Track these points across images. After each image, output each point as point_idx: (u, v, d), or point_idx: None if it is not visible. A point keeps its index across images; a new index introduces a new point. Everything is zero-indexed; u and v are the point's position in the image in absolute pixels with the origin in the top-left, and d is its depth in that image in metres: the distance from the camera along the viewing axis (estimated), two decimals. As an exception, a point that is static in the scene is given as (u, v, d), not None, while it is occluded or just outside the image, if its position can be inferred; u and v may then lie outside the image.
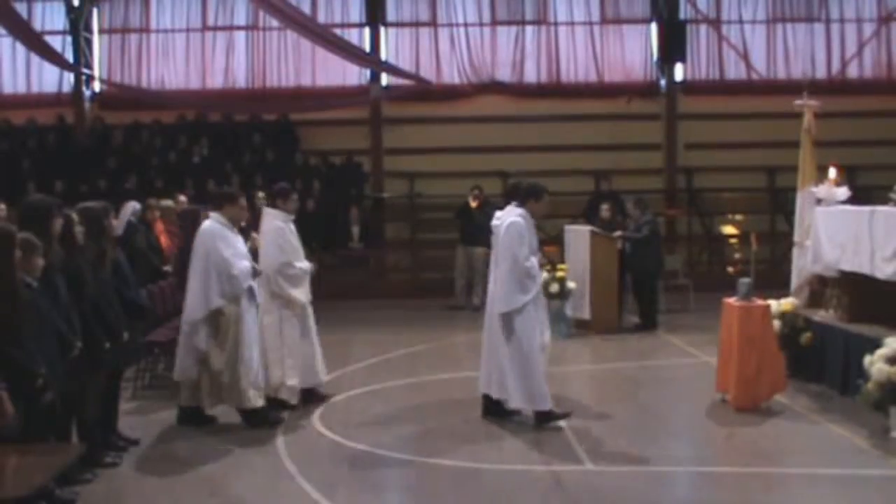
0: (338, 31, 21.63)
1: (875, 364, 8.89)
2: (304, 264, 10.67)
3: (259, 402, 9.79)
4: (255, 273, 9.84)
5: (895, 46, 22.86)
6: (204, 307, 9.56)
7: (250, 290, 9.77)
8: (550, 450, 8.89)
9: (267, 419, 9.83)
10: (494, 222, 9.90)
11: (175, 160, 21.14)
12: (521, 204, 9.79)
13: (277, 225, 10.58)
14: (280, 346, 10.40)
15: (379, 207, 22.22)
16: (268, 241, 10.53)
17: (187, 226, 11.92)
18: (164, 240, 14.20)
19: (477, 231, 18.76)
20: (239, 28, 22.47)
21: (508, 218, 9.69)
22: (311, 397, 10.76)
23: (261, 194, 16.31)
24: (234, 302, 9.61)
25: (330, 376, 11.86)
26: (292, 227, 10.72)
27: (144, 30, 22.45)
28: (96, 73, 22.44)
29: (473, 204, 18.83)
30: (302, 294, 10.64)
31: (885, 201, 10.28)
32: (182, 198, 15.77)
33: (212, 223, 9.82)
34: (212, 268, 9.55)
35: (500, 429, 9.68)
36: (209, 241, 9.66)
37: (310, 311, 10.76)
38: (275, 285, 10.37)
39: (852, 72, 22.79)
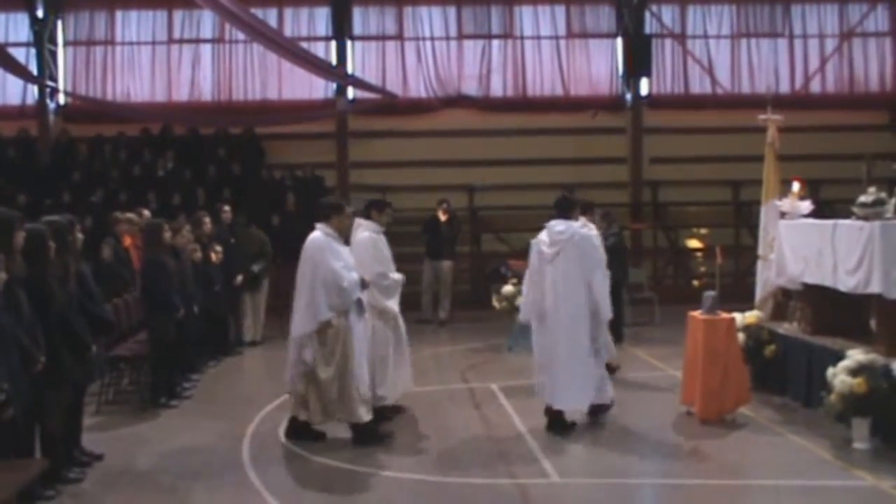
0: (304, 45, 21.66)
1: (838, 376, 8.96)
2: (396, 275, 10.71)
3: (368, 416, 9.61)
4: (364, 285, 9.72)
5: (857, 62, 23.12)
6: (313, 321, 9.40)
7: (358, 303, 9.62)
8: (516, 462, 8.89)
9: (376, 435, 9.66)
10: (559, 231, 10.02)
11: (139, 174, 21.01)
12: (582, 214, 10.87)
13: (371, 236, 10.57)
14: (372, 356, 10.23)
15: (345, 221, 22.13)
16: (362, 252, 10.32)
17: (150, 239, 11.83)
18: (133, 253, 14.09)
19: (444, 244, 18.83)
20: (205, 41, 22.41)
21: (581, 229, 10.22)
22: (394, 411, 10.55)
23: (226, 208, 16.30)
24: (343, 315, 9.48)
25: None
26: (383, 238, 10.74)
27: (110, 42, 22.35)
28: (61, 85, 22.29)
29: (443, 217, 18.85)
30: (395, 304, 10.64)
31: (847, 215, 10.35)
32: (145, 212, 15.67)
33: (319, 235, 9.70)
34: (320, 280, 9.41)
35: (465, 442, 9.68)
36: (317, 253, 9.54)
37: (401, 321, 10.63)
38: (369, 296, 10.17)
39: (815, 87, 23.03)
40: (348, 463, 8.96)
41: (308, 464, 9.00)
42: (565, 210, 10.25)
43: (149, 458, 9.28)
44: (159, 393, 11.46)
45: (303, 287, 9.55)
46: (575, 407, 10.09)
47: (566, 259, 9.95)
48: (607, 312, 10.10)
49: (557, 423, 9.97)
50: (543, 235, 10.19)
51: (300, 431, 9.70)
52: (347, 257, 9.69)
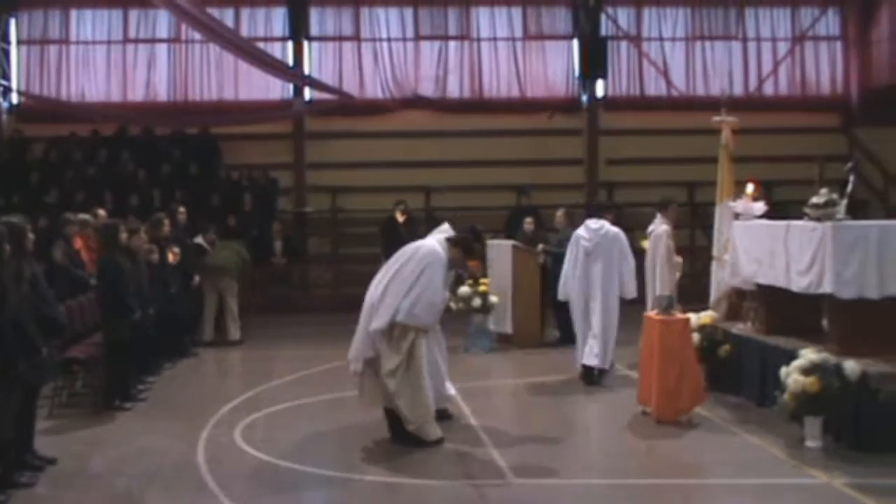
0: (261, 45, 21.59)
1: (791, 375, 9.06)
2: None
3: (435, 434, 9.55)
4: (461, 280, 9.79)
5: (808, 65, 23.39)
6: (388, 317, 9.39)
7: None
8: (473, 464, 8.91)
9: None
10: (594, 228, 12.43)
11: (95, 174, 20.83)
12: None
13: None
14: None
15: (301, 222, 22.13)
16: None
17: (106, 240, 11.73)
18: (84, 255, 13.97)
19: (401, 245, 18.74)
20: (161, 41, 22.28)
21: (613, 229, 12.52)
22: (441, 417, 10.29)
23: (182, 209, 16.21)
24: (420, 328, 9.48)
25: (252, 392, 11.82)
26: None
27: (64, 41, 22.16)
28: (14, 84, 22.06)
29: (400, 218, 18.85)
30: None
31: (800, 216, 10.45)
32: (101, 212, 15.55)
33: (440, 249, 9.73)
34: (419, 288, 9.40)
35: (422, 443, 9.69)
36: (433, 265, 9.55)
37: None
38: None
39: (768, 89, 23.28)
40: (303, 465, 8.94)
41: (264, 466, 8.96)
42: (599, 211, 13.14)
43: (103, 462, 9.21)
44: (114, 396, 11.35)
45: (396, 282, 9.52)
46: (602, 365, 12.25)
47: (602, 250, 12.31)
48: (633, 292, 12.42)
49: (589, 376, 12.32)
50: (582, 231, 12.56)
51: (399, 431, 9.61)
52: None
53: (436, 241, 9.87)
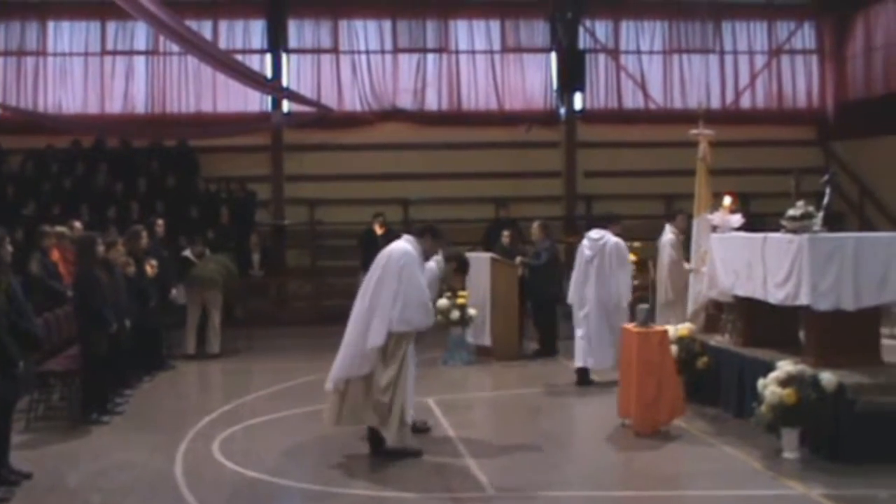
0: (239, 57, 21.53)
1: (768, 387, 9.10)
2: None
3: (412, 442, 9.62)
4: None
5: (785, 78, 23.55)
6: (384, 332, 9.33)
7: None
8: (452, 477, 8.90)
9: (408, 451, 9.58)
10: (594, 238, 13.26)
11: (72, 186, 20.73)
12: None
13: (430, 264, 10.44)
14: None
15: (280, 235, 22.09)
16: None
17: (83, 253, 11.67)
18: (62, 267, 13.91)
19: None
20: (139, 53, 22.18)
21: (613, 239, 13.29)
22: (419, 430, 10.32)
23: (160, 222, 16.16)
24: (418, 329, 9.52)
25: (231, 405, 11.78)
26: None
27: (41, 53, 22.04)
28: (-9, 96, 21.95)
29: (379, 231, 18.85)
30: None
31: (777, 228, 10.51)
32: (77, 224, 15.49)
33: (410, 248, 9.64)
34: (403, 293, 9.33)
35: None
36: (409, 266, 9.49)
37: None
38: None
39: (745, 102, 23.43)
40: (282, 478, 8.91)
41: (242, 479, 8.92)
42: (602, 222, 13.75)
43: (79, 476, 9.15)
44: (91, 409, 11.28)
45: (380, 294, 9.44)
46: (601, 367, 12.98)
47: (600, 259, 13.13)
48: (625, 301, 13.11)
49: (585, 379, 13.09)
50: (585, 240, 13.40)
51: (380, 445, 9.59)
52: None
53: (403, 241, 9.85)
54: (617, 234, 13.42)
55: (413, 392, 9.82)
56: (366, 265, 18.43)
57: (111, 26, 22.05)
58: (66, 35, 22.14)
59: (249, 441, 10.44)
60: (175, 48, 21.34)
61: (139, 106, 22.20)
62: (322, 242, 22.21)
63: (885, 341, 10.19)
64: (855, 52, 22.85)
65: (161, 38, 21.46)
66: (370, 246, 18.71)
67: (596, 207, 22.70)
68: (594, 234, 13.39)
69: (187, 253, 16.27)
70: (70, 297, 12.68)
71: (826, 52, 23.53)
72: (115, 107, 22.09)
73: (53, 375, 11.26)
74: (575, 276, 13.52)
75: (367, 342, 9.38)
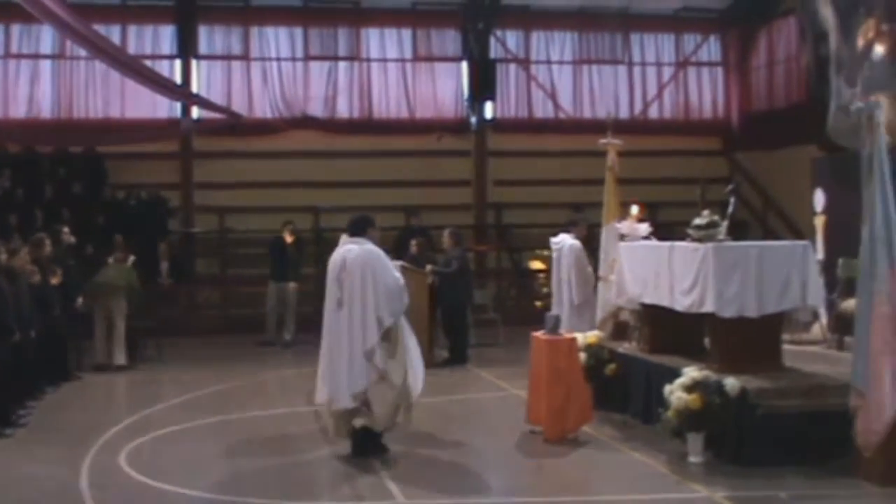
0: (148, 63, 21.24)
1: (674, 393, 9.23)
2: None
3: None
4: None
5: (692, 89, 23.99)
6: (379, 330, 9.45)
7: None
8: (362, 484, 8.89)
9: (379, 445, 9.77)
10: (555, 241, 14.01)
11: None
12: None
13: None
14: None
15: (189, 242, 21.86)
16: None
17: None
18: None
19: (290, 266, 18.72)
20: (45, 56, 21.76)
21: (571, 240, 13.87)
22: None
23: (66, 229, 15.88)
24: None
25: (138, 416, 11.63)
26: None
27: (-58, 55, 21.54)
28: None
29: (288, 239, 18.76)
30: None
31: (683, 237, 10.69)
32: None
33: (370, 246, 9.78)
34: (381, 288, 9.48)
35: (311, 465, 9.65)
36: (378, 262, 9.66)
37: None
38: None
39: (653, 112, 23.81)
40: (191, 489, 8.81)
41: (150, 491, 8.80)
42: (565, 226, 14.44)
43: (-20, 489, 8.96)
44: (-7, 420, 11.07)
45: (356, 297, 9.52)
46: None
47: (558, 263, 13.90)
48: (576, 300, 13.50)
49: None
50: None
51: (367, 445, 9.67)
52: None
53: (351, 243, 9.88)
54: (582, 237, 13.91)
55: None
56: (275, 274, 18.65)
57: (15, 29, 21.55)
58: (-31, 38, 21.65)
59: (157, 452, 10.30)
60: (82, 52, 20.95)
61: (45, 110, 21.77)
62: (232, 250, 22.02)
63: (785, 347, 10.43)
64: (758, 64, 23.37)
65: (68, 42, 21.08)
66: (279, 254, 18.70)
67: (506, 216, 22.90)
68: (556, 238, 14.08)
69: (111, 261, 15.95)
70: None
71: (731, 64, 24.02)
72: (19, 111, 21.62)
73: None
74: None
75: (365, 345, 9.48)
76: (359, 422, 9.62)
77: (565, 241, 13.90)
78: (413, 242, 17.04)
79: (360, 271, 9.59)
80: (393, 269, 9.85)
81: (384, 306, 9.51)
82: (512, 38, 23.36)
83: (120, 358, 15.61)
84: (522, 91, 23.30)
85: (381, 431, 9.72)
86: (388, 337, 9.62)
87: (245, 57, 22.40)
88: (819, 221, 15.30)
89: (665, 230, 14.83)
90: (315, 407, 10.80)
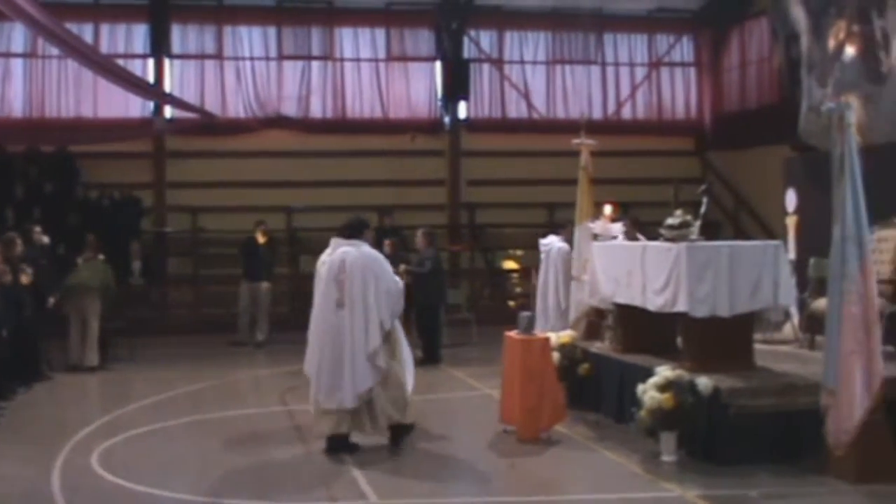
0: (121, 62, 21.10)
1: (647, 392, 9.27)
2: None
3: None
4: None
5: (664, 90, 24.10)
6: (381, 332, 9.60)
7: None
8: (336, 485, 8.87)
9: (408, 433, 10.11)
10: (544, 244, 14.40)
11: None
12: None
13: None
14: None
15: (161, 242, 21.77)
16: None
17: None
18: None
19: (262, 266, 18.68)
20: (16, 55, 21.57)
21: (558, 245, 14.16)
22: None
23: (38, 229, 15.78)
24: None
25: (111, 416, 11.58)
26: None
27: (-88, 53, 21.34)
28: None
29: (261, 239, 18.71)
30: None
31: (655, 237, 10.74)
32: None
33: (367, 249, 9.86)
34: (383, 290, 9.63)
35: (284, 465, 9.62)
36: (377, 265, 9.79)
37: None
38: None
39: (626, 113, 23.89)
40: (163, 489, 8.76)
41: (123, 492, 8.76)
42: (554, 228, 15.02)
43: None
44: (-37, 421, 10.99)
45: (357, 299, 9.59)
46: None
47: (546, 265, 14.18)
48: (563, 303, 13.50)
49: None
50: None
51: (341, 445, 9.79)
52: None
53: (347, 245, 9.88)
54: (570, 240, 13.60)
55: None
56: (248, 273, 18.60)
57: (-14, 27, 21.45)
58: (-61, 36, 21.47)
59: (129, 453, 10.24)
60: (54, 51, 20.82)
61: (16, 109, 21.59)
62: (204, 250, 21.94)
63: (757, 346, 10.50)
64: (731, 65, 23.49)
65: (40, 41, 20.93)
66: (252, 254, 18.65)
67: (479, 216, 22.92)
68: (545, 239, 14.50)
69: (80, 261, 15.90)
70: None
71: (703, 65, 24.14)
72: (-10, 110, 21.49)
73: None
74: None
75: (368, 348, 9.56)
76: (344, 427, 9.70)
77: (554, 244, 14.20)
78: (386, 242, 16.95)
79: (361, 274, 9.66)
80: (392, 273, 9.97)
81: (385, 309, 9.65)
82: (485, 38, 23.38)
83: (92, 358, 15.55)
84: (496, 91, 23.33)
85: (393, 426, 9.94)
86: (388, 338, 9.77)
87: (218, 56, 22.31)
88: (791, 221, 15.37)
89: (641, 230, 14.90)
90: (288, 407, 10.79)
